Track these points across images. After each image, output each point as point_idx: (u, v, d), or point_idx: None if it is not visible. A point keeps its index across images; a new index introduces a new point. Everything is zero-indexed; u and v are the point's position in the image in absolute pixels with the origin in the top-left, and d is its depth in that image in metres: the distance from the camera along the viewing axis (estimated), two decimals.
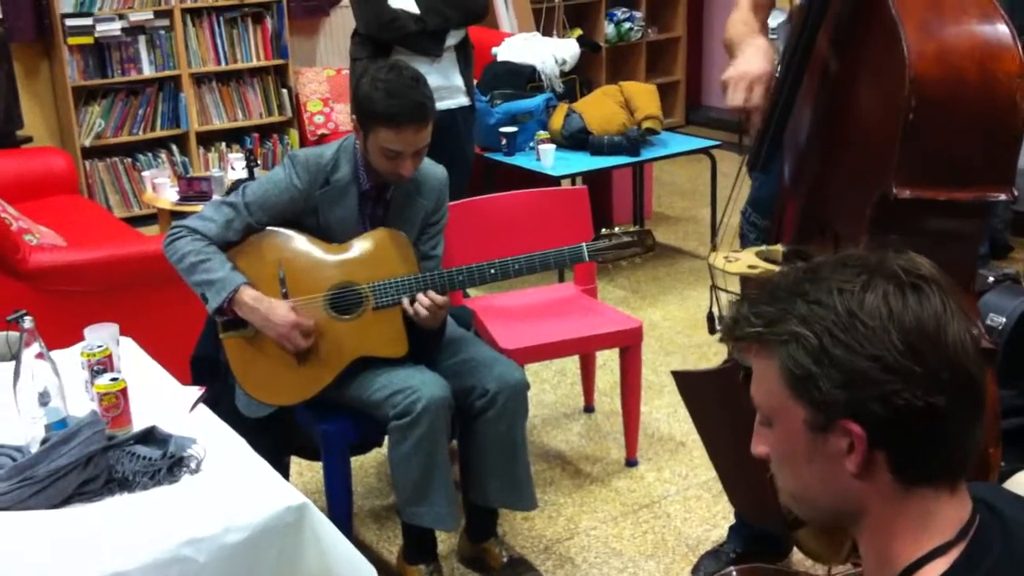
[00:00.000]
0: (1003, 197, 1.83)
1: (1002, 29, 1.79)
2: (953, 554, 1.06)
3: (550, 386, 3.84)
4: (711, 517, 3.00)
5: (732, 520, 2.73)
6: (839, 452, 1.07)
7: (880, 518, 1.09)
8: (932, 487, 1.08)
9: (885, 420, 1.04)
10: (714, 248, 2.23)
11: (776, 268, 2.08)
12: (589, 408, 3.65)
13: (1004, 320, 2.89)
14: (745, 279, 2.29)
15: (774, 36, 2.61)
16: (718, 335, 2.29)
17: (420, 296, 2.51)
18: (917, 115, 1.75)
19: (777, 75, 2.08)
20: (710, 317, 2.31)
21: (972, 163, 1.82)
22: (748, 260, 2.15)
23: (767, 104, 2.08)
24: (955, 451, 1.08)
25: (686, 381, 2.52)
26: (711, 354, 3.86)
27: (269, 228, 2.56)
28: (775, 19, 2.52)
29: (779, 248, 2.18)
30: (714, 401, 2.40)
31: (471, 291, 3.75)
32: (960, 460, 1.08)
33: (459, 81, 3.99)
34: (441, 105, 3.84)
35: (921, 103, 1.75)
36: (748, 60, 2.11)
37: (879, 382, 1.03)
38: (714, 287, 2.28)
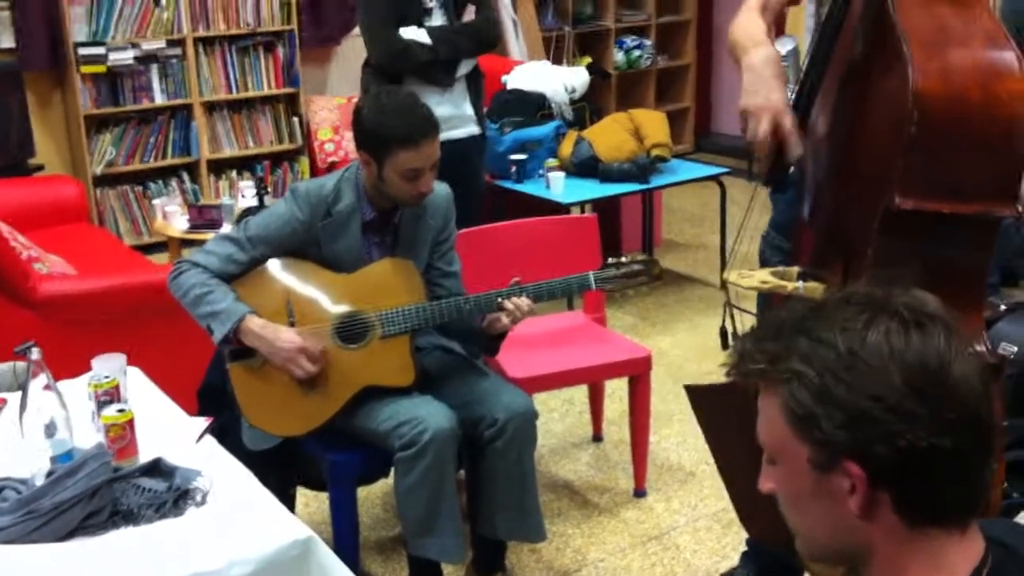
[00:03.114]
0: (1008, 213, 1.86)
1: (1008, 53, 1.84)
2: None
3: (558, 415, 3.82)
4: (721, 549, 2.97)
5: (742, 550, 2.70)
6: (842, 492, 1.05)
7: (888, 558, 1.07)
8: (941, 528, 1.06)
9: (888, 461, 1.02)
10: (725, 268, 2.25)
11: (787, 284, 2.09)
12: (597, 437, 3.64)
13: (1016, 349, 2.87)
14: (765, 299, 2.30)
15: (785, 63, 2.61)
16: (730, 350, 2.31)
17: (516, 300, 2.53)
18: (919, 128, 1.80)
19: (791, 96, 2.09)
20: (723, 332, 2.31)
21: (976, 178, 1.86)
22: (761, 276, 2.16)
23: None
24: (964, 492, 1.05)
25: (699, 395, 2.50)
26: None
27: (275, 259, 2.57)
28: (783, 47, 2.53)
29: (795, 269, 2.19)
30: (727, 416, 2.38)
31: None
32: (971, 501, 1.06)
33: (470, 110, 4.00)
34: (452, 134, 3.86)
35: (923, 117, 1.80)
36: (764, 88, 2.02)
37: (881, 422, 1.01)
38: (728, 304, 2.28)
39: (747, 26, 2.17)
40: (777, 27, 2.48)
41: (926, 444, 1.01)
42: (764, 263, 2.52)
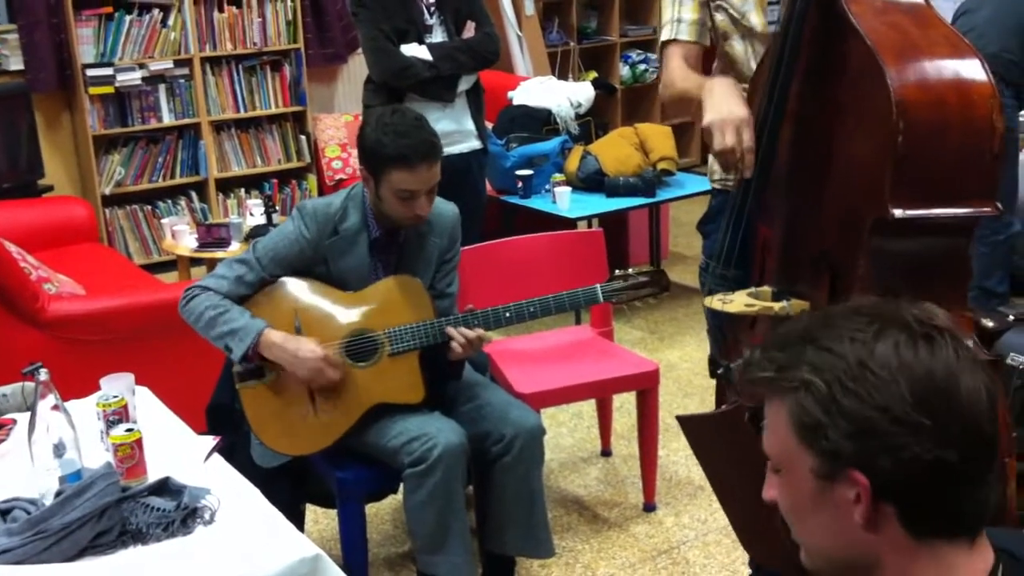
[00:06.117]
0: (988, 211, 1.91)
1: (972, 58, 1.90)
2: None
3: (567, 429, 3.82)
4: (731, 563, 2.96)
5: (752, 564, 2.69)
6: (847, 502, 1.05)
7: (895, 571, 1.07)
8: (948, 540, 1.06)
9: (893, 473, 1.02)
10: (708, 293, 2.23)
11: (773, 305, 2.09)
12: (606, 452, 3.63)
13: None
14: (718, 319, 2.28)
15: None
16: (718, 377, 2.31)
17: (453, 332, 2.51)
18: (906, 137, 1.84)
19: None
20: (711, 360, 2.31)
21: (959, 180, 1.91)
22: (743, 300, 2.15)
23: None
24: (970, 505, 1.05)
25: (692, 425, 2.51)
26: None
27: (283, 278, 2.57)
28: None
29: (767, 289, 2.18)
30: (721, 444, 2.38)
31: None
32: (976, 514, 1.06)
33: (471, 125, 4.02)
34: (454, 150, 3.88)
35: (908, 126, 1.84)
36: (726, 103, 2.08)
37: (887, 434, 1.01)
38: (710, 330, 2.28)
39: (689, 76, 2.29)
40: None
41: (931, 457, 1.01)
42: (712, 293, 2.42)
